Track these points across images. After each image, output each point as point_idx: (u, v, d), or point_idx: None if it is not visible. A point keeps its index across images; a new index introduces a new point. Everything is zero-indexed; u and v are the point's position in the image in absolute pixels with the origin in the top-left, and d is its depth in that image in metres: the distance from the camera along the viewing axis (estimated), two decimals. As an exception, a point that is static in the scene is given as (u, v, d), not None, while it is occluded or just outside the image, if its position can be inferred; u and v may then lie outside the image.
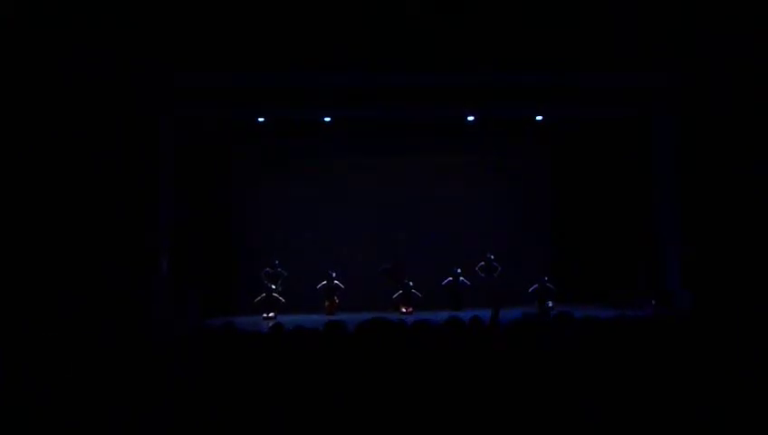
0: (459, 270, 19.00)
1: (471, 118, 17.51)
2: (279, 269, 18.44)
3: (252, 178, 19.73)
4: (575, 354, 5.26)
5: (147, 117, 14.65)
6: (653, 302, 16.39)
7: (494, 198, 20.41)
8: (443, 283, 18.99)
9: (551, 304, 17.71)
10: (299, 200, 19.96)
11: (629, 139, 18.03)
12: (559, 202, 20.36)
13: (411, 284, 18.80)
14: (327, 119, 17.22)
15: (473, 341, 5.32)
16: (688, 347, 5.44)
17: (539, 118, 17.76)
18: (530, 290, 18.08)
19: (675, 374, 4.93)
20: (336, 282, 18.64)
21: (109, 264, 13.73)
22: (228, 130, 18.71)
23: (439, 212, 20.30)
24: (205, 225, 18.26)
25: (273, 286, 17.92)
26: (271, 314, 17.50)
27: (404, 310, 18.34)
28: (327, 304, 18.44)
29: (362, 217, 20.16)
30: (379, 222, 20.19)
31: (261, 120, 17.41)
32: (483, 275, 19.15)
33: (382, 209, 20.22)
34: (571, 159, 20.06)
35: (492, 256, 19.17)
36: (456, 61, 14.65)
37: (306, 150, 19.54)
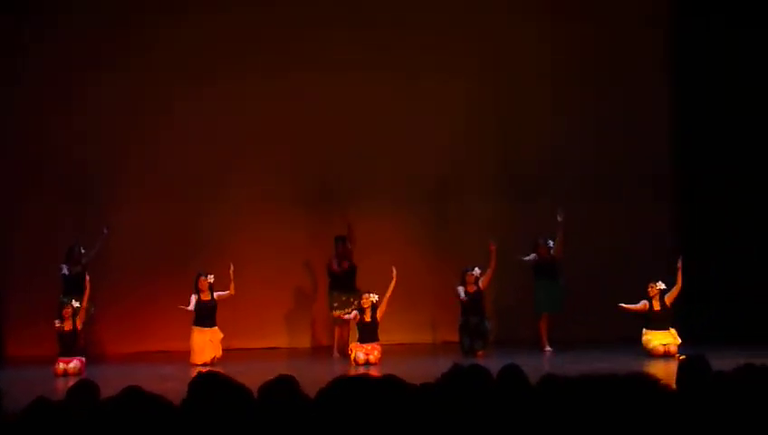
0: (552, 242, 10.50)
1: None
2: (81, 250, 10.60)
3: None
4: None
5: None
6: None
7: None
8: (526, 259, 10.37)
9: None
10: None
11: None
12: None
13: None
14: None
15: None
16: None
17: None
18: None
19: None
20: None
21: None
22: None
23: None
24: None
25: (75, 303, 10.07)
26: (72, 364, 9.79)
27: (362, 355, 9.70)
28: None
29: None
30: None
31: None
32: None
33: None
34: None
35: None
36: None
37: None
